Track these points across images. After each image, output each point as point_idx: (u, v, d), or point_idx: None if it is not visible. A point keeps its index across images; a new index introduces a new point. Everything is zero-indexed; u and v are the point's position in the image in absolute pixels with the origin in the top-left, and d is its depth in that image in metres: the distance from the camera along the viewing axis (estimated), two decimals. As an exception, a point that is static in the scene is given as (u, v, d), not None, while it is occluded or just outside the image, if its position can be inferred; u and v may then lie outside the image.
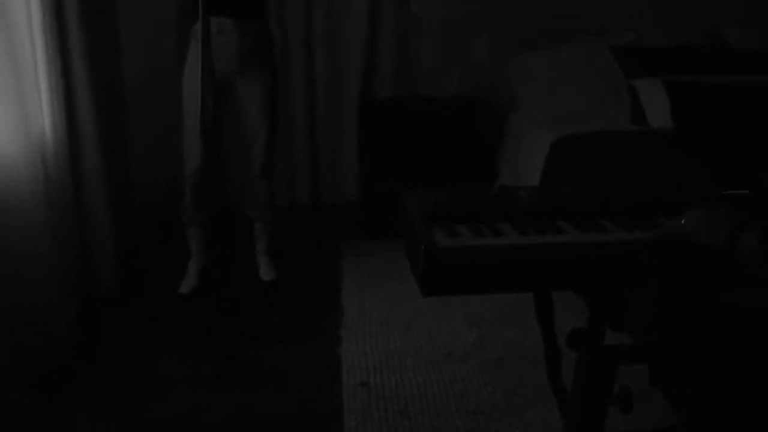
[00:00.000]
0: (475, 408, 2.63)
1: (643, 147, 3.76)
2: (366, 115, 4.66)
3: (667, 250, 1.46)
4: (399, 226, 1.79)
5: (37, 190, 2.91)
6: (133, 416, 2.62)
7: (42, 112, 3.16)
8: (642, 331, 1.85)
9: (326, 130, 4.85)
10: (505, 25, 4.79)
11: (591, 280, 1.56)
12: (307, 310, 3.44)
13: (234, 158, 4.16)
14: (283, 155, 4.79)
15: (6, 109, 2.82)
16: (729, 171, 2.22)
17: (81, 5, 3.27)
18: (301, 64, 4.72)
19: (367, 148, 4.66)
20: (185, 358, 3.02)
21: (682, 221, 1.46)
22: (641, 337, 1.88)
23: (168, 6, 4.47)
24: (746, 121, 3.48)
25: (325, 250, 4.16)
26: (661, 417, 2.27)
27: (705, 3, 4.75)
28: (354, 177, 4.86)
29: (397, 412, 2.60)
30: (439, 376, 2.83)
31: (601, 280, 1.56)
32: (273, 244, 3.78)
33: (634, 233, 1.57)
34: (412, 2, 4.75)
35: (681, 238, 1.44)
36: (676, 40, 4.53)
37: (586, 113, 4.23)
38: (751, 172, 1.92)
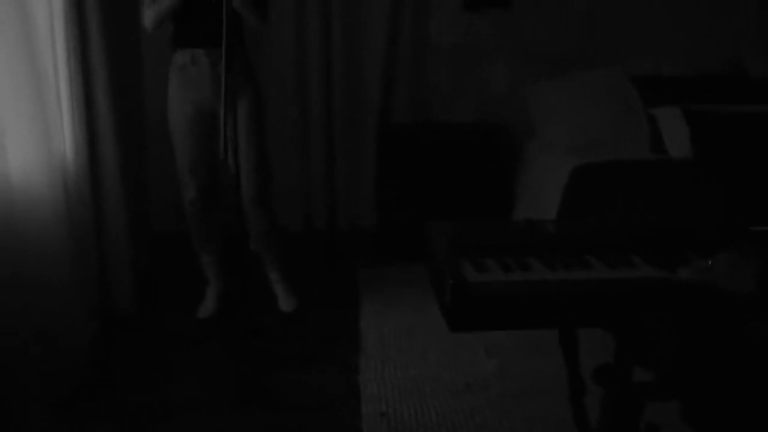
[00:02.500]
0: (496, 440, 2.61)
1: (662, 176, 3.74)
2: (384, 141, 4.66)
3: (694, 295, 1.46)
4: (424, 257, 1.78)
5: (58, 214, 2.93)
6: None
7: (64, 139, 3.19)
8: (667, 367, 1.83)
9: (344, 155, 4.86)
10: (523, 52, 4.81)
11: (620, 317, 1.55)
12: (325, 336, 3.43)
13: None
14: (299, 181, 4.81)
15: (30, 136, 2.85)
16: (750, 201, 2.20)
17: (105, 36, 3.29)
18: (319, 89, 4.74)
19: (384, 173, 4.66)
20: (203, 384, 3.01)
21: (710, 266, 1.45)
22: (666, 372, 1.86)
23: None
24: (767, 151, 3.46)
25: (342, 277, 4.15)
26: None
27: (724, 32, 4.76)
28: (371, 203, 4.86)
29: (416, 443, 2.58)
30: (458, 406, 2.81)
31: (630, 317, 1.55)
32: (287, 271, 3.73)
33: (663, 270, 1.56)
34: (430, 29, 4.77)
35: (708, 284, 1.44)
36: (696, 69, 4.53)
37: (604, 141, 4.22)
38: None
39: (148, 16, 3.31)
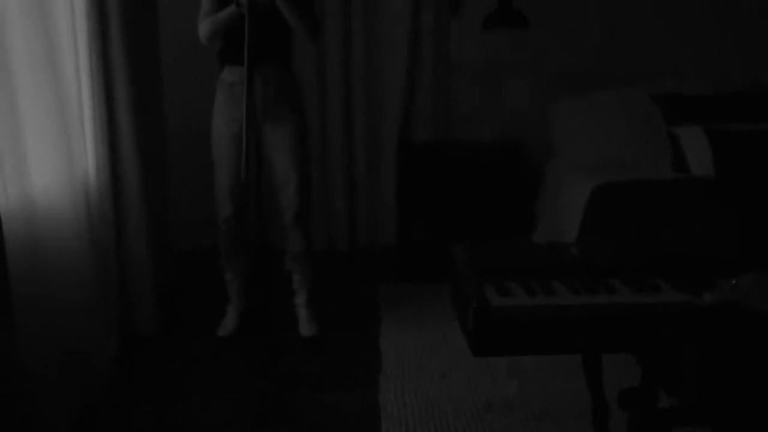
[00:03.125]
0: (517, 462, 2.58)
1: (684, 195, 3.72)
2: (404, 159, 4.67)
3: (720, 317, 1.44)
4: (448, 280, 1.78)
5: (81, 234, 2.94)
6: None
7: (87, 157, 3.21)
8: (692, 393, 1.81)
9: (364, 173, 4.87)
10: (543, 70, 4.81)
11: (645, 341, 1.54)
12: (345, 356, 3.42)
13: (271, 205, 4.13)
14: (320, 199, 4.82)
15: (53, 154, 2.87)
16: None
17: (127, 56, 3.32)
18: (339, 107, 4.76)
19: (405, 191, 4.66)
20: (223, 403, 3.00)
21: (735, 286, 1.44)
22: (692, 398, 1.84)
23: (209, 54, 4.53)
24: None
25: (362, 295, 4.15)
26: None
27: (746, 51, 4.74)
28: (392, 221, 4.86)
29: (437, 465, 2.56)
30: (479, 428, 2.79)
31: (656, 342, 1.54)
32: (313, 298, 3.71)
33: (688, 294, 1.54)
34: (451, 47, 4.78)
35: (734, 304, 1.42)
36: (718, 88, 4.51)
37: (626, 160, 4.21)
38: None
39: (203, 30, 3.33)
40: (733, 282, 1.46)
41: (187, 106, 4.49)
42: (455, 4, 4.76)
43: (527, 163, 4.71)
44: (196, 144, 4.58)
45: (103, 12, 3.19)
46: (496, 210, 4.50)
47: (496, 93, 4.84)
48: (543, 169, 4.66)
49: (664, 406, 1.74)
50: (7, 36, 2.62)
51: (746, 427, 1.68)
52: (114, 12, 3.22)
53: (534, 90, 4.82)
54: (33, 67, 2.72)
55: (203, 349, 3.49)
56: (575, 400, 2.77)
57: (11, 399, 2.27)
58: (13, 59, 2.61)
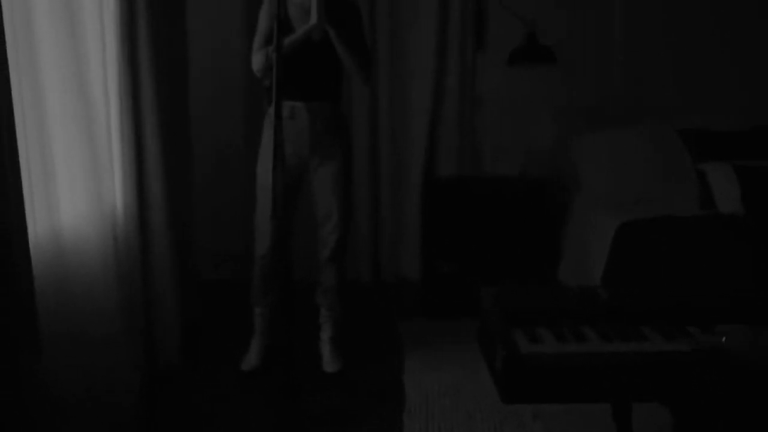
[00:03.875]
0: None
1: (712, 233, 3.69)
2: (429, 193, 4.66)
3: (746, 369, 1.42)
4: (477, 323, 1.76)
5: (108, 267, 2.96)
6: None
7: (115, 190, 3.23)
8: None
9: (389, 207, 4.88)
10: (569, 106, 4.81)
11: (677, 392, 1.51)
12: (368, 393, 3.39)
13: (302, 240, 4.13)
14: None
15: (82, 188, 2.90)
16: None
17: (156, 87, 3.35)
18: (365, 140, 4.78)
19: (429, 226, 4.65)
20: (246, 439, 2.99)
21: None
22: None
23: (236, 83, 4.58)
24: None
25: (386, 330, 4.12)
26: None
27: (775, 85, 4.71)
28: (415, 255, 4.85)
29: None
30: (504, 470, 2.76)
31: (688, 392, 1.51)
32: (338, 335, 3.70)
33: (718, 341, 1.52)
34: (476, 82, 4.79)
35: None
36: (746, 124, 4.48)
37: (652, 197, 4.18)
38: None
39: (257, 62, 3.34)
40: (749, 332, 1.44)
41: (213, 138, 4.55)
42: (481, 40, 4.77)
43: (552, 198, 4.68)
44: (222, 175, 4.63)
45: (133, 47, 3.23)
46: (521, 244, 4.47)
47: (521, 128, 4.84)
48: (568, 204, 4.63)
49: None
50: (40, 72, 2.66)
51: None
52: (144, 46, 3.25)
53: (559, 125, 4.81)
54: (64, 102, 2.76)
55: (227, 383, 3.49)
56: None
57: (36, 434, 2.28)
58: (46, 95, 2.65)
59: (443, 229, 4.52)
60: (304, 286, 3.89)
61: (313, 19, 3.18)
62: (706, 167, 4.14)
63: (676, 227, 3.73)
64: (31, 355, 2.35)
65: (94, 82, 3.03)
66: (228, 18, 4.51)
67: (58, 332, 2.61)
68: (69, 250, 2.73)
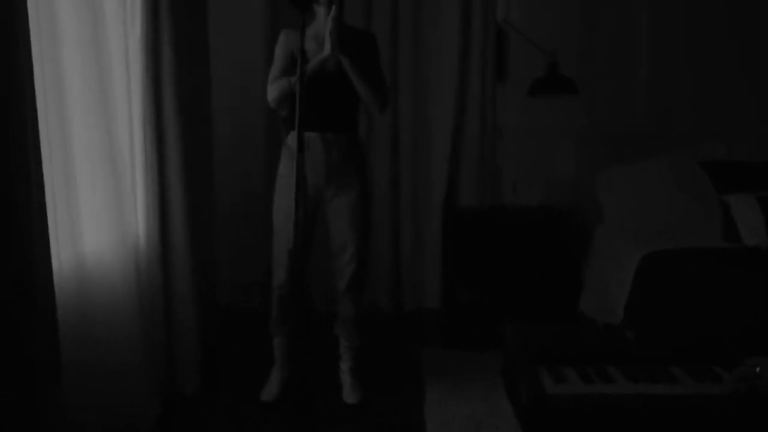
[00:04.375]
0: None
1: (737, 265, 3.65)
2: (450, 223, 4.65)
3: None
4: (502, 361, 1.75)
5: (130, 296, 2.97)
6: None
7: (137, 221, 3.25)
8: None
9: (410, 235, 4.86)
10: (591, 136, 4.80)
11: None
12: (389, 424, 3.36)
13: (321, 270, 4.12)
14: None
15: (105, 218, 2.92)
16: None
17: (179, 119, 3.38)
18: (386, 169, 4.78)
19: (450, 255, 4.64)
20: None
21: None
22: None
23: (257, 114, 4.60)
24: None
25: (406, 360, 4.10)
26: None
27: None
28: (436, 284, 4.83)
29: None
30: (526, 506, 2.71)
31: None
32: (358, 366, 3.67)
33: (749, 383, 1.49)
34: (497, 112, 4.80)
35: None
36: (770, 155, 4.46)
37: (676, 229, 4.15)
38: None
39: (272, 93, 3.34)
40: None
41: (235, 169, 4.57)
42: (502, 70, 4.78)
43: (573, 229, 4.66)
44: (242, 201, 4.65)
45: (157, 81, 3.26)
46: (542, 275, 4.44)
47: (542, 158, 4.83)
48: (590, 234, 4.60)
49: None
50: (66, 107, 2.70)
51: None
52: (168, 80, 3.29)
53: (581, 155, 4.80)
54: (90, 135, 2.79)
55: (246, 413, 3.47)
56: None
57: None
58: (72, 128, 2.68)
59: (464, 258, 4.51)
60: (323, 316, 3.88)
61: (327, 49, 3.19)
62: (730, 199, 4.12)
63: (700, 259, 3.70)
64: (52, 383, 2.36)
65: (118, 114, 3.06)
66: (249, 52, 4.55)
67: (78, 360, 2.62)
68: (92, 280, 2.75)
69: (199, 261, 3.61)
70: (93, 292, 2.74)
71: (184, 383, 3.58)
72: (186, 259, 3.50)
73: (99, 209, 2.90)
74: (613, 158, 4.63)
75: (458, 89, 4.73)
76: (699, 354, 1.61)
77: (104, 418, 2.75)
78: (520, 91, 4.71)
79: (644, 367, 1.55)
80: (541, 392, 1.40)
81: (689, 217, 4.23)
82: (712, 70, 4.76)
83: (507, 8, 4.79)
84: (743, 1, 4.73)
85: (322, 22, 3.26)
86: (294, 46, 3.32)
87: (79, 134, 2.80)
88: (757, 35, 4.73)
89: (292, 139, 3.41)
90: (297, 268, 3.43)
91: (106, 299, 2.82)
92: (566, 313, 4.31)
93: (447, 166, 4.79)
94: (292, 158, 3.36)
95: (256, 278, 4.51)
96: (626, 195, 4.43)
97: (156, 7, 3.24)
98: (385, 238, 4.83)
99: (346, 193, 3.43)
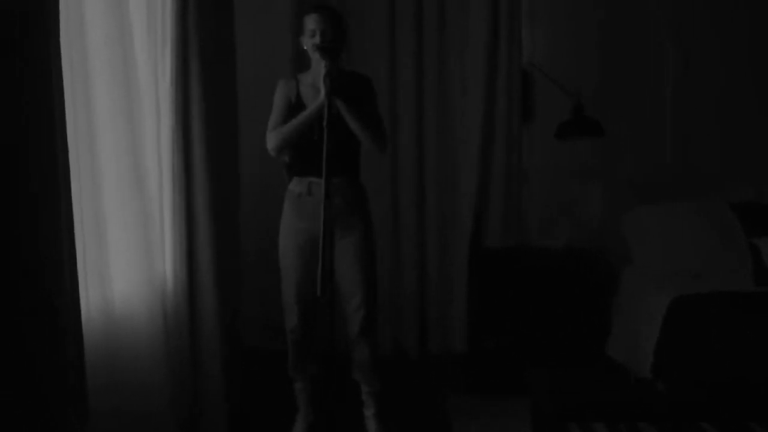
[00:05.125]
0: None
1: (767, 309, 3.60)
2: (476, 265, 4.63)
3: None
4: (531, 416, 1.72)
5: (157, 342, 2.99)
6: None
7: (165, 261, 3.27)
8: None
9: (435, 278, 4.84)
10: (617, 177, 4.78)
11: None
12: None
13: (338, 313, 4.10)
14: (391, 303, 4.79)
15: (134, 261, 2.94)
16: None
17: (207, 164, 3.41)
18: (412, 212, 4.78)
19: (476, 297, 4.60)
20: None
21: None
22: None
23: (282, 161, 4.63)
24: None
25: (433, 405, 4.05)
26: None
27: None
28: (462, 327, 4.79)
29: None
30: None
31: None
32: (382, 411, 3.63)
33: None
34: (523, 153, 4.80)
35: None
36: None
37: (705, 272, 4.10)
38: None
39: (272, 141, 3.39)
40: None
41: (261, 210, 4.56)
42: (528, 112, 4.79)
43: (601, 270, 4.62)
44: (268, 245, 4.65)
45: (186, 120, 3.31)
46: (570, 317, 4.39)
47: (568, 199, 4.81)
48: (617, 277, 4.56)
49: None
50: (97, 150, 2.74)
51: None
52: (197, 120, 3.33)
53: (607, 197, 4.77)
54: (120, 180, 2.83)
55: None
56: None
57: None
58: (102, 173, 2.72)
59: (490, 300, 4.47)
60: (345, 359, 3.85)
61: (322, 95, 3.24)
62: (760, 242, 4.07)
63: (731, 303, 3.65)
64: (80, 429, 2.36)
65: (147, 157, 3.11)
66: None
67: (105, 405, 2.62)
68: (119, 324, 2.77)
69: (225, 303, 3.61)
70: (120, 336, 2.76)
71: (210, 427, 3.56)
72: (213, 301, 3.50)
73: (127, 251, 2.93)
74: (639, 199, 4.60)
75: (484, 130, 4.73)
76: (733, 407, 1.58)
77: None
78: (546, 132, 4.70)
79: (677, 424, 1.52)
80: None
81: (719, 260, 4.18)
82: (740, 111, 4.74)
83: (532, 50, 4.81)
84: (771, 42, 4.72)
85: (318, 69, 3.31)
86: (291, 94, 3.40)
87: (110, 176, 2.85)
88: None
89: (295, 185, 3.46)
90: (310, 312, 3.44)
91: (133, 343, 2.83)
92: (594, 357, 4.26)
93: (473, 207, 4.78)
94: (296, 204, 3.43)
95: (276, 321, 4.50)
96: (654, 237, 4.39)
97: (186, 55, 3.29)
98: (411, 279, 4.81)
99: (350, 236, 3.43)
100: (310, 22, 3.35)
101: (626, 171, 4.78)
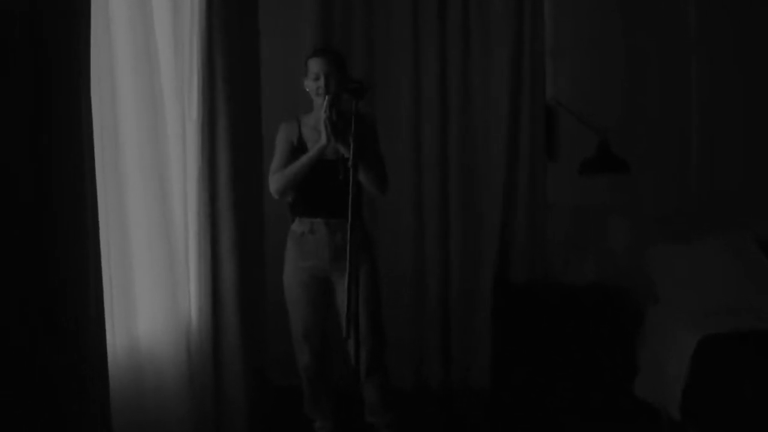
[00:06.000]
0: None
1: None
2: (500, 300, 4.61)
3: None
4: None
5: (182, 379, 3.00)
6: None
7: (190, 300, 3.29)
8: None
9: (459, 313, 4.82)
10: (643, 213, 4.75)
11: None
12: None
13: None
14: (414, 337, 4.78)
15: (159, 300, 2.97)
16: None
17: (232, 197, 3.44)
18: (436, 247, 4.78)
19: (500, 332, 4.58)
20: None
21: None
22: None
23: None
24: None
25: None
26: None
27: None
28: (486, 362, 4.76)
29: None
30: None
31: None
32: None
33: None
34: (547, 189, 4.79)
35: None
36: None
37: (733, 310, 4.04)
38: None
39: (274, 183, 3.45)
40: None
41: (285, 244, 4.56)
42: (552, 148, 4.79)
43: (627, 307, 4.57)
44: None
45: (212, 164, 3.35)
46: (595, 354, 4.36)
47: (593, 235, 4.78)
48: (644, 313, 4.51)
49: None
50: (124, 187, 2.77)
51: None
52: (223, 164, 3.38)
53: (633, 233, 4.74)
54: (148, 222, 2.87)
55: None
56: None
57: None
58: (130, 215, 2.75)
59: (514, 335, 4.45)
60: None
61: (323, 138, 3.28)
62: (788, 279, 4.02)
63: (760, 341, 3.60)
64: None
65: (174, 195, 3.14)
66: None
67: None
68: (145, 365, 2.78)
69: (250, 341, 3.62)
70: (145, 377, 2.77)
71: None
72: (237, 338, 3.52)
73: (153, 291, 2.95)
74: (665, 236, 4.57)
75: (508, 166, 4.74)
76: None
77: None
78: (570, 168, 4.69)
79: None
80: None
81: (747, 298, 4.13)
82: (765, 146, 4.71)
83: (556, 86, 4.82)
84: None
85: (320, 112, 3.35)
86: (294, 136, 3.47)
87: (136, 215, 2.88)
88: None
89: (298, 224, 3.50)
90: (321, 349, 3.43)
91: (158, 383, 2.85)
92: (620, 395, 4.21)
93: (497, 242, 4.77)
94: (298, 243, 3.46)
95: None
96: (681, 274, 4.34)
97: (213, 93, 3.33)
98: (434, 315, 4.79)
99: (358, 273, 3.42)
100: (314, 65, 3.40)
101: (651, 206, 4.76)
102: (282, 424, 4.14)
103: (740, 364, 3.48)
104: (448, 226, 4.80)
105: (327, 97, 3.30)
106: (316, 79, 3.38)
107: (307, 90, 3.46)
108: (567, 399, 4.24)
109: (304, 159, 3.39)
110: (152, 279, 2.98)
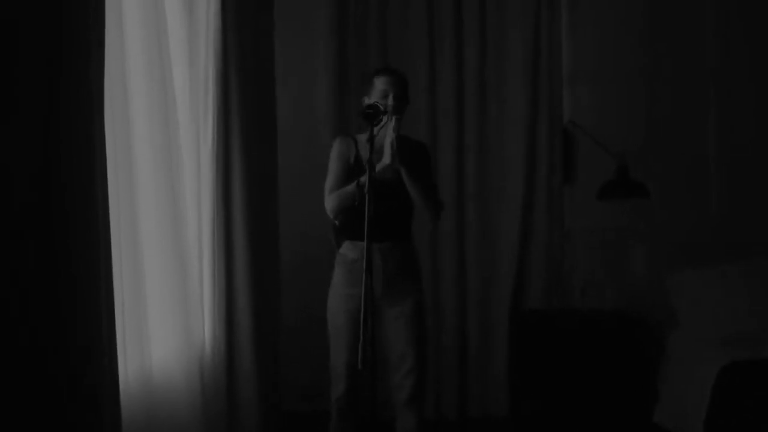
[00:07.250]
0: None
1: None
2: (517, 327, 4.56)
3: None
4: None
5: (195, 409, 2.95)
6: None
7: (203, 327, 3.26)
8: None
9: (475, 339, 4.77)
10: (662, 239, 4.70)
11: None
12: None
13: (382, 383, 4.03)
14: (430, 366, 4.72)
15: (172, 329, 2.94)
16: None
17: (247, 224, 3.42)
18: (452, 272, 4.73)
19: (517, 359, 4.52)
20: None
21: None
22: None
23: (324, 218, 4.61)
24: None
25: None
26: None
27: None
28: (503, 390, 4.70)
29: None
30: None
31: None
32: None
33: None
34: (565, 214, 4.75)
35: None
36: None
37: (756, 336, 3.98)
38: None
39: (329, 204, 3.33)
40: None
41: (301, 275, 4.52)
42: (570, 173, 4.75)
43: (646, 334, 4.51)
44: (307, 310, 4.61)
45: (226, 189, 3.33)
46: (614, 381, 4.29)
47: (612, 261, 4.73)
48: (664, 340, 4.44)
49: None
50: (139, 226, 2.75)
51: None
52: (237, 190, 3.36)
53: (652, 259, 4.69)
54: (162, 252, 2.85)
55: None
56: None
57: None
58: (143, 245, 2.73)
59: (531, 363, 4.39)
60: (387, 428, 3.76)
61: (386, 158, 3.18)
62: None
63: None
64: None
65: (188, 220, 3.12)
66: (316, 157, 4.59)
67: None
68: (157, 393, 2.75)
69: (264, 367, 3.59)
70: (158, 405, 2.74)
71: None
72: (251, 365, 3.50)
73: (166, 321, 2.93)
74: (685, 261, 4.51)
75: (525, 191, 4.71)
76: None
77: None
78: (588, 192, 4.65)
79: None
80: None
81: (768, 325, 4.06)
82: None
83: (573, 110, 4.79)
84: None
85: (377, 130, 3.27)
86: (351, 154, 3.35)
87: (149, 241, 2.85)
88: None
89: (347, 249, 3.38)
90: (357, 381, 3.36)
91: (171, 411, 2.82)
92: (640, 423, 4.14)
93: (514, 268, 4.72)
94: (348, 269, 3.33)
95: (322, 383, 4.44)
96: (701, 300, 4.28)
97: (227, 119, 3.33)
98: (450, 343, 4.74)
99: (403, 303, 3.35)
100: (381, 83, 3.33)
101: (670, 231, 4.70)
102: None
103: (762, 394, 3.41)
104: (464, 252, 4.76)
105: (395, 117, 3.20)
106: (385, 96, 3.32)
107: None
108: (585, 427, 4.17)
109: (355, 186, 3.24)
110: (165, 304, 2.95)
